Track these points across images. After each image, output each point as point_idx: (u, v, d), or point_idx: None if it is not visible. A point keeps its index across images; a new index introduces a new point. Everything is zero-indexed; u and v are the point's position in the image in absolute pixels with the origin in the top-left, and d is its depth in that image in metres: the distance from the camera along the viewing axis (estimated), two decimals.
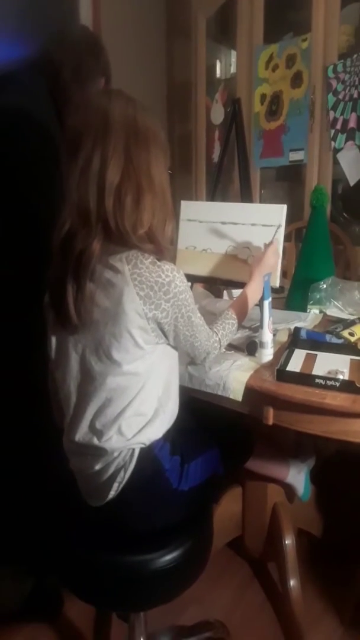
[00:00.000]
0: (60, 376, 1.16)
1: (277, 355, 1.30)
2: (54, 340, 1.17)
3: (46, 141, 1.46)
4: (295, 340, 1.37)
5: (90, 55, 1.56)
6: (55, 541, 1.22)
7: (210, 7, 2.79)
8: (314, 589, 1.70)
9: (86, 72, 1.54)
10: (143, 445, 1.12)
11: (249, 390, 1.20)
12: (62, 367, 1.15)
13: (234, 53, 2.88)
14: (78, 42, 1.57)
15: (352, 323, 1.45)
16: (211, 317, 1.28)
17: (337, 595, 1.69)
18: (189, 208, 1.70)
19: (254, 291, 1.35)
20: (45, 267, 1.12)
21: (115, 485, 1.11)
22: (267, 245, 1.42)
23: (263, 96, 2.59)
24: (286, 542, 1.60)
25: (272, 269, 1.41)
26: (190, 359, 1.25)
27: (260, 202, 2.71)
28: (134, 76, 3.02)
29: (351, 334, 1.39)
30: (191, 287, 1.49)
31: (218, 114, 2.95)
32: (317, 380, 1.13)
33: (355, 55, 2.18)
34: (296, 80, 2.42)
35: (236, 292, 1.74)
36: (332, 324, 1.52)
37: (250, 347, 1.34)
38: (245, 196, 2.18)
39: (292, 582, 1.57)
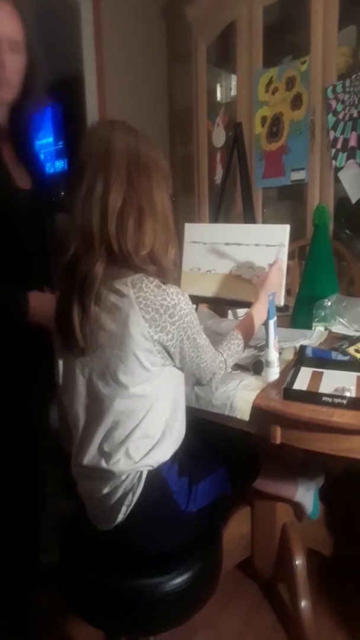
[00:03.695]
0: (68, 400, 1.17)
1: (283, 373, 1.30)
2: (61, 365, 1.18)
3: None
4: (301, 358, 1.37)
5: None
6: (64, 565, 1.22)
7: (210, 33, 2.85)
8: (326, 609, 1.68)
9: None
10: (151, 468, 1.12)
11: (256, 410, 1.21)
12: (70, 391, 1.16)
13: (234, 77, 2.93)
14: None
15: (358, 340, 1.46)
16: (216, 337, 1.29)
17: (349, 616, 1.66)
18: (193, 230, 1.72)
19: (259, 312, 1.36)
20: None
21: (124, 508, 1.11)
22: (271, 265, 1.44)
23: (264, 118, 2.63)
24: (296, 562, 1.59)
25: (277, 288, 1.42)
26: (196, 380, 1.25)
27: (263, 221, 2.74)
28: (136, 101, 3.10)
29: (357, 351, 1.40)
30: (196, 309, 1.49)
31: (219, 137, 2.99)
32: (324, 398, 1.13)
33: (354, 76, 2.21)
34: (296, 102, 2.46)
35: (241, 312, 1.75)
36: (337, 341, 1.53)
37: (256, 366, 1.35)
38: (248, 216, 2.20)
39: (303, 603, 1.55)
